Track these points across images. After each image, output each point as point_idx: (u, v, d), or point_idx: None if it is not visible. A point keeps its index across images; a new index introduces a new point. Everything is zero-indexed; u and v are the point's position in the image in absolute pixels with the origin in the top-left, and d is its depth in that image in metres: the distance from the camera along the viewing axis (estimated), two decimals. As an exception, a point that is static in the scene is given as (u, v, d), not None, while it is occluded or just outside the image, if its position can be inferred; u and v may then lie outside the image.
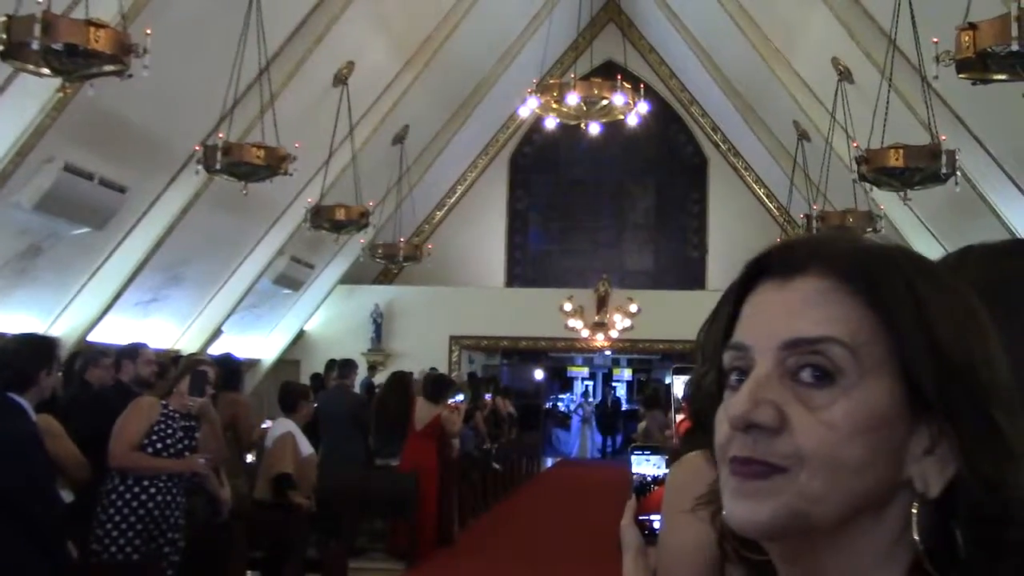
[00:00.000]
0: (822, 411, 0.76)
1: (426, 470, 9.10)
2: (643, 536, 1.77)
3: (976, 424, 0.76)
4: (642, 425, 14.04)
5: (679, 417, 1.89)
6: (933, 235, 12.32)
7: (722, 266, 18.10)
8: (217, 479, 5.46)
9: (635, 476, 1.81)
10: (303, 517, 6.23)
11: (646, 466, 1.84)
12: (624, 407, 23.15)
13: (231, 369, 6.98)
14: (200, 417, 4.98)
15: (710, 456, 1.51)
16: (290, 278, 15.21)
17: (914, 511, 0.78)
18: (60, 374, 4.01)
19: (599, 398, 23.53)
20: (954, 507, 0.77)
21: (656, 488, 1.82)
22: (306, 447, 6.60)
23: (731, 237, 18.05)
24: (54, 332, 9.90)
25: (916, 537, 0.77)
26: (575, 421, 23.03)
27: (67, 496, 4.58)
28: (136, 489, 4.68)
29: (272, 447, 6.47)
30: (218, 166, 8.83)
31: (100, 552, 4.55)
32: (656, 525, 1.77)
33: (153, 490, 4.71)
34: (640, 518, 1.78)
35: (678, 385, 1.85)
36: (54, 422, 4.42)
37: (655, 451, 1.85)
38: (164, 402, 4.83)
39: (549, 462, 20.27)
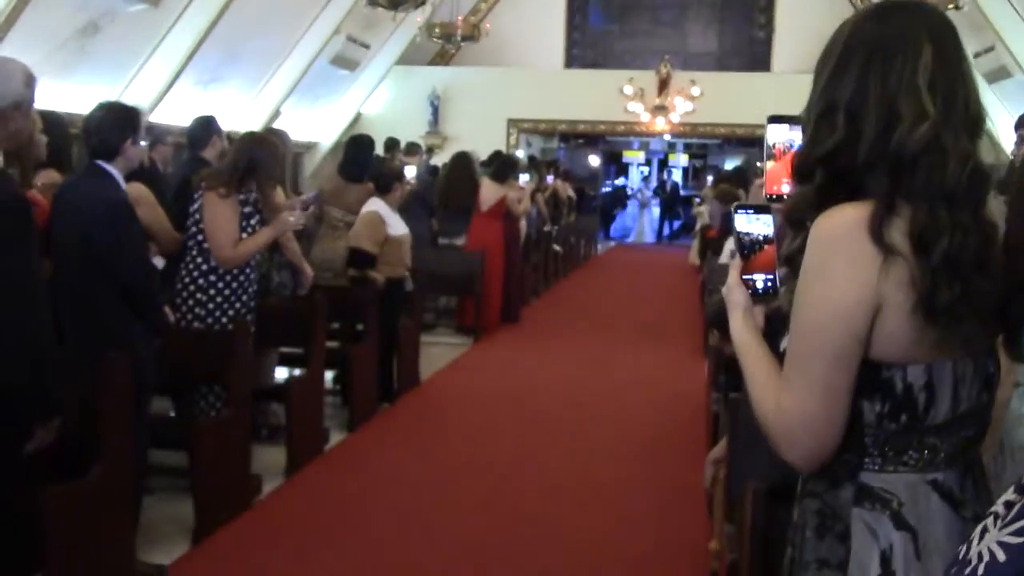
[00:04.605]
0: None
1: (492, 250, 9.22)
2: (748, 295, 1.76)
3: None
4: (701, 209, 13.98)
5: (768, 165, 1.80)
6: (1016, 9, 11.72)
7: (789, 47, 17.44)
8: (300, 253, 5.60)
9: (741, 235, 1.77)
10: (375, 292, 6.37)
11: (755, 224, 1.79)
12: (681, 192, 23.04)
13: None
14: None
15: (860, 207, 1.48)
16: (346, 58, 14.97)
17: None
18: (145, 144, 4.00)
19: (656, 183, 23.42)
20: None
21: (766, 247, 1.78)
22: (398, 227, 6.68)
23: (800, 16, 17.21)
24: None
25: None
26: (633, 206, 23.04)
27: (158, 262, 4.70)
28: (212, 262, 4.75)
29: (356, 224, 6.59)
30: (275, -64, 8.51)
31: (191, 320, 4.71)
32: (760, 285, 1.75)
33: None
34: (744, 277, 1.76)
35: (773, 134, 1.76)
36: (145, 190, 4.45)
37: (761, 209, 1.79)
38: (241, 198, 4.75)
39: (600, 248, 20.41)
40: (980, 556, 0.81)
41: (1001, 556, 0.78)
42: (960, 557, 0.87)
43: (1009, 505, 0.88)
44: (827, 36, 1.66)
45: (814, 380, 1.50)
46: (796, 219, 1.62)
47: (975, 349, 1.53)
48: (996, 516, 0.89)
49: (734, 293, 1.73)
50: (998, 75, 12.45)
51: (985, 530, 0.87)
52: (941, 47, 1.52)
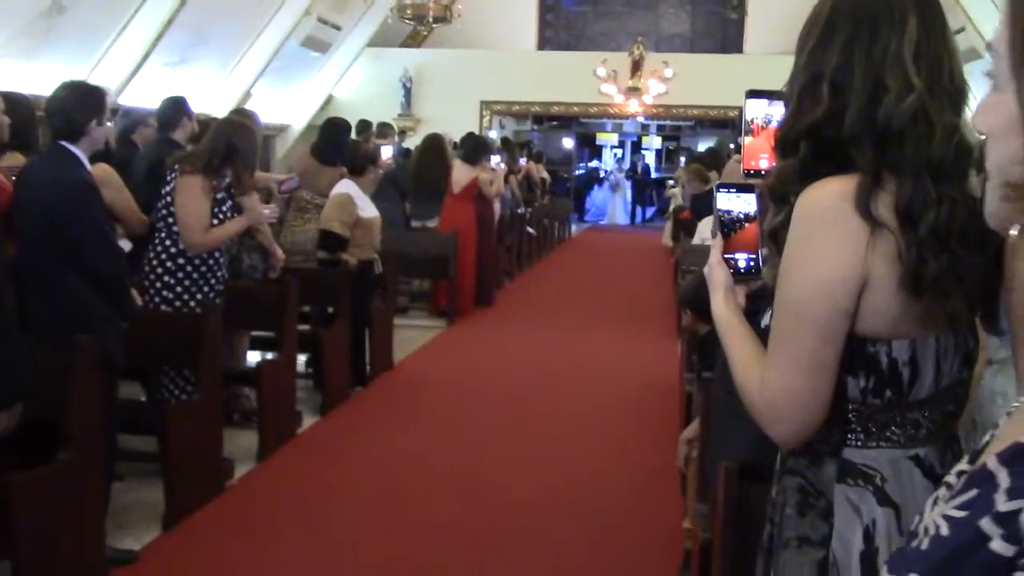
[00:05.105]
0: None
1: (465, 232, 9.17)
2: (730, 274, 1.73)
3: None
4: (675, 191, 13.98)
5: (746, 141, 1.78)
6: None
7: (762, 29, 17.45)
8: (271, 236, 5.56)
9: (721, 214, 1.74)
10: (347, 274, 6.32)
11: (736, 203, 1.76)
12: (653, 175, 23.06)
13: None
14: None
15: (845, 180, 1.45)
16: (318, 40, 14.81)
17: None
18: (111, 125, 3.92)
19: (629, 166, 23.42)
20: None
21: (747, 226, 1.76)
22: (369, 209, 6.61)
23: (772, -3, 17.27)
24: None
25: None
26: (605, 188, 23.04)
27: (125, 245, 4.63)
28: (181, 245, 4.69)
29: (326, 207, 6.53)
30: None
31: (158, 303, 4.65)
32: (741, 264, 1.72)
33: None
34: (726, 257, 1.73)
35: (751, 109, 1.73)
36: (112, 172, 4.38)
37: (743, 188, 1.76)
38: (215, 183, 4.70)
39: (574, 228, 20.39)
40: (927, 529, 0.79)
41: (945, 530, 0.77)
42: (913, 528, 0.86)
43: (961, 475, 0.87)
44: (800, 17, 1.63)
45: (800, 355, 1.48)
46: (780, 193, 1.59)
47: (959, 324, 1.52)
48: (948, 486, 0.88)
49: (716, 272, 1.70)
50: (968, 57, 12.47)
51: (936, 502, 0.86)
52: (926, 19, 1.51)
